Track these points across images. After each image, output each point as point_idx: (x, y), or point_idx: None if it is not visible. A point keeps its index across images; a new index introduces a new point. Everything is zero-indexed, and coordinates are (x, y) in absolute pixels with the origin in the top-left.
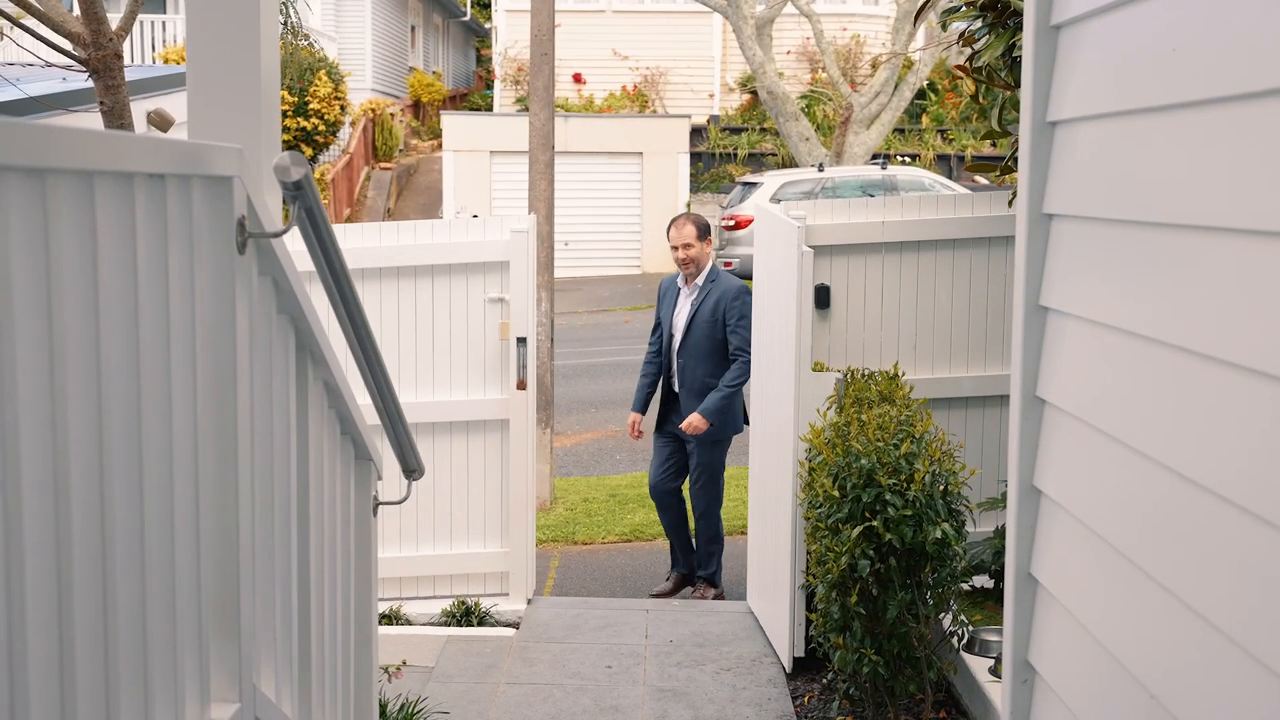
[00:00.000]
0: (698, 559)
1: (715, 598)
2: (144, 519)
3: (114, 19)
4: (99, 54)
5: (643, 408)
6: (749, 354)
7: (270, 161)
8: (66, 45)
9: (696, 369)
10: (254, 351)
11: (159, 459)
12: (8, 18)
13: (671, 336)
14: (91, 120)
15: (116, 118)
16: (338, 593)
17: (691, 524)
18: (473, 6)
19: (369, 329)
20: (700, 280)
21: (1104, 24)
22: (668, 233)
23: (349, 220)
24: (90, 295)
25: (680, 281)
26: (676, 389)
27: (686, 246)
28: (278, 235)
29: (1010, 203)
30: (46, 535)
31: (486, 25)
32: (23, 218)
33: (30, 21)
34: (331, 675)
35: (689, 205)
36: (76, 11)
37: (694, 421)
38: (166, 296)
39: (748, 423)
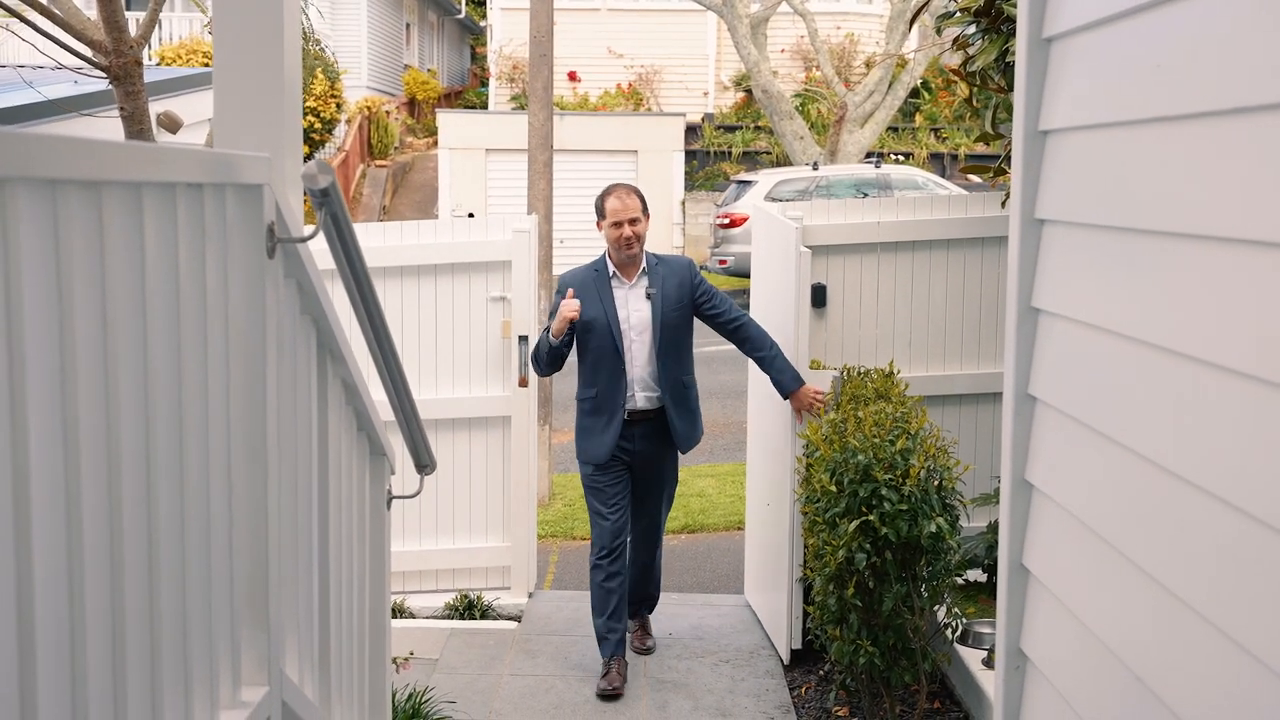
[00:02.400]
0: (646, 597)
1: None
2: (184, 513)
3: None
4: (120, 61)
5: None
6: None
7: (293, 164)
8: (85, 50)
9: (675, 368)
10: (280, 351)
11: (198, 456)
12: (14, 14)
13: (620, 342)
14: (96, 123)
15: (136, 123)
16: (354, 584)
17: None
18: (467, 4)
19: (388, 329)
20: (644, 265)
21: (1093, 39)
22: (601, 205)
23: None
24: (138, 299)
25: (611, 269)
26: (644, 405)
27: (634, 222)
28: (305, 240)
29: (1003, 204)
30: (102, 530)
31: (481, 23)
32: (81, 228)
33: (42, 23)
34: (349, 662)
35: (684, 204)
36: (94, 17)
37: (816, 394)
38: (204, 300)
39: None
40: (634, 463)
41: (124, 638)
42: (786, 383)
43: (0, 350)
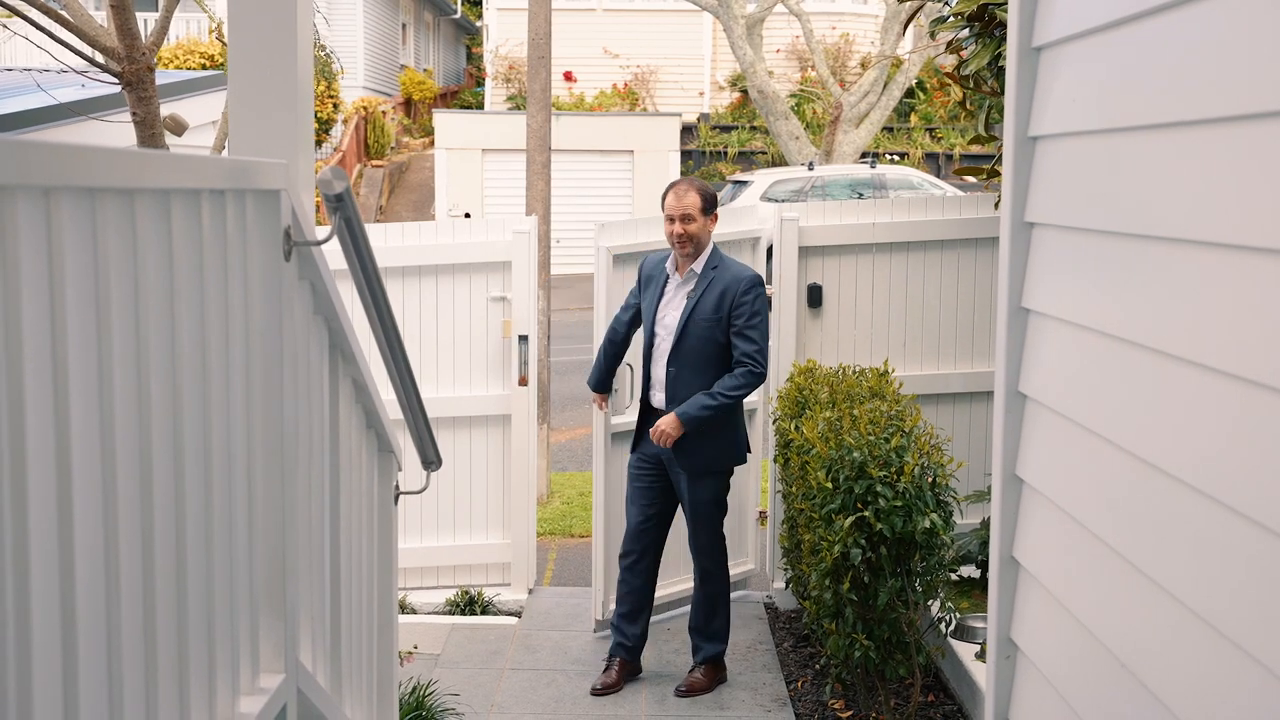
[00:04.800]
0: (704, 634)
1: (717, 681)
2: (210, 503)
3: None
4: (132, 67)
5: (603, 385)
6: (762, 364)
7: (306, 167)
8: (97, 56)
9: (692, 380)
10: (296, 350)
11: (222, 451)
12: (29, 20)
13: (654, 336)
14: (107, 128)
15: (148, 128)
16: (363, 577)
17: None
18: (463, 4)
19: (397, 329)
20: (699, 266)
21: (1080, 48)
22: (663, 199)
23: None
24: (167, 300)
25: (670, 267)
26: (661, 404)
27: (686, 219)
28: (320, 244)
29: (996, 205)
30: (135, 521)
31: (477, 23)
32: (116, 233)
33: (57, 29)
34: (358, 653)
35: None
36: (104, 22)
37: (664, 426)
38: (226, 301)
39: (750, 450)
40: (666, 468)
41: (155, 625)
42: (678, 408)
43: (45, 348)
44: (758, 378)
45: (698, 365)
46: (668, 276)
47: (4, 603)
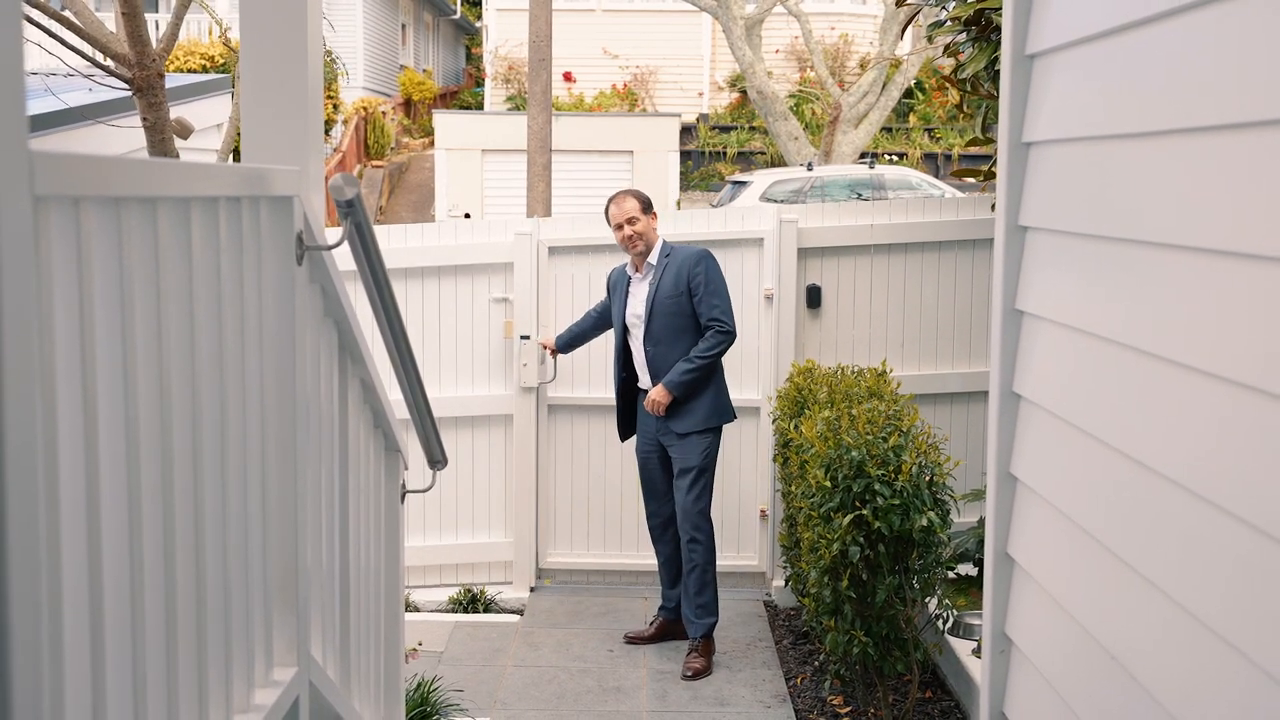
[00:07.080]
0: (686, 610)
1: (708, 659)
2: (226, 501)
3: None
4: (143, 73)
5: (562, 343)
6: (727, 322)
7: (316, 172)
8: (100, 58)
9: (669, 354)
10: (307, 352)
11: (237, 451)
12: (41, 27)
13: (628, 329)
14: (116, 132)
15: (158, 132)
16: (371, 574)
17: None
18: (463, 5)
19: (405, 331)
20: (653, 259)
21: (1072, 56)
22: (606, 213)
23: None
24: (187, 304)
25: (629, 270)
26: (647, 384)
27: (630, 222)
28: (331, 248)
29: (993, 206)
30: (157, 520)
31: (476, 23)
32: (139, 240)
33: (69, 36)
34: (367, 649)
35: (679, 203)
36: (113, 27)
37: (654, 396)
38: (241, 304)
39: (734, 416)
40: (661, 441)
41: (175, 620)
42: (664, 381)
43: (74, 352)
44: (728, 335)
45: (670, 340)
46: (629, 279)
47: (38, 600)
